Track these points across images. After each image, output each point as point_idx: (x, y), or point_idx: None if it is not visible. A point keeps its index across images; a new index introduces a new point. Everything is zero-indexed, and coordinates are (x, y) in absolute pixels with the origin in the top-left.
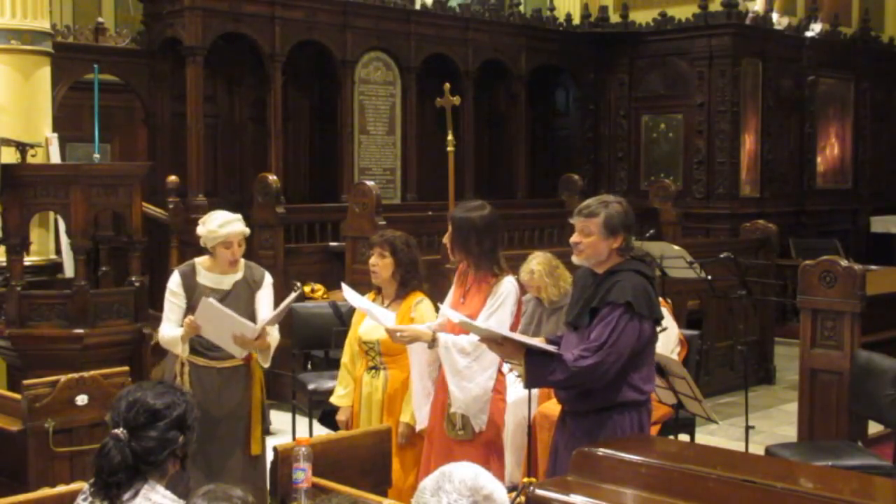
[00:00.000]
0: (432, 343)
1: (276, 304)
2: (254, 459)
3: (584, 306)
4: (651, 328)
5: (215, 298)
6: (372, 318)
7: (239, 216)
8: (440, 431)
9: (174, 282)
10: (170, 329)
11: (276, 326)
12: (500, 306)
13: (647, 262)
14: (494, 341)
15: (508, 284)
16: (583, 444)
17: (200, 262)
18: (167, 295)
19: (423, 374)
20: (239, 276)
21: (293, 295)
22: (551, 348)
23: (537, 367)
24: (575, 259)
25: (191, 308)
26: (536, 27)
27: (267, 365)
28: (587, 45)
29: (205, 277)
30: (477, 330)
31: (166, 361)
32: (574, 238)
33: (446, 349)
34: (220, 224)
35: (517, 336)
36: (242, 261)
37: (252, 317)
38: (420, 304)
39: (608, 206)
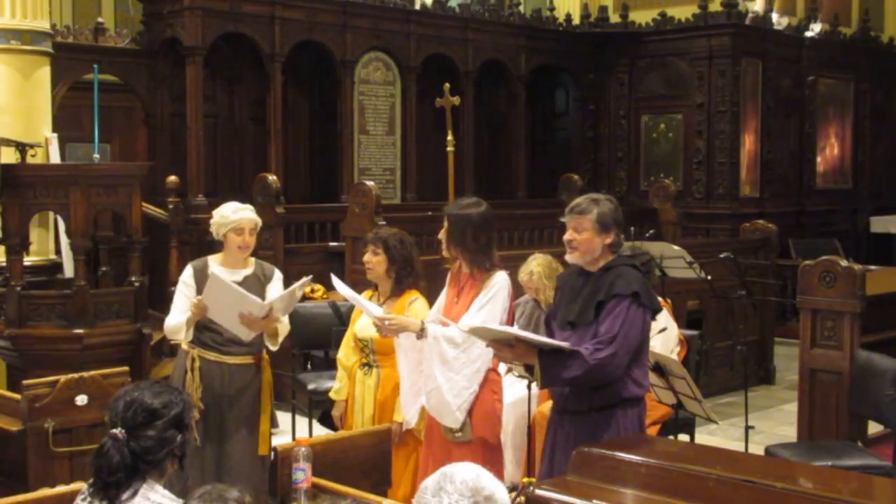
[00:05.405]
0: (420, 333)
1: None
2: (261, 460)
3: (586, 302)
4: (650, 321)
5: None
6: (360, 307)
7: (251, 207)
8: (439, 433)
9: (187, 273)
10: (175, 316)
11: (287, 318)
12: (491, 300)
13: (636, 257)
14: (506, 344)
15: (500, 278)
16: (587, 444)
17: (213, 257)
18: (178, 286)
19: (412, 370)
20: (249, 270)
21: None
22: (564, 345)
23: (552, 366)
24: (568, 257)
25: None
26: (536, 27)
27: (275, 348)
28: (587, 46)
29: (217, 270)
30: (490, 333)
31: (177, 357)
32: (567, 236)
33: (435, 339)
34: (233, 210)
35: (529, 335)
36: (252, 258)
37: None
38: (414, 302)
39: (599, 203)
